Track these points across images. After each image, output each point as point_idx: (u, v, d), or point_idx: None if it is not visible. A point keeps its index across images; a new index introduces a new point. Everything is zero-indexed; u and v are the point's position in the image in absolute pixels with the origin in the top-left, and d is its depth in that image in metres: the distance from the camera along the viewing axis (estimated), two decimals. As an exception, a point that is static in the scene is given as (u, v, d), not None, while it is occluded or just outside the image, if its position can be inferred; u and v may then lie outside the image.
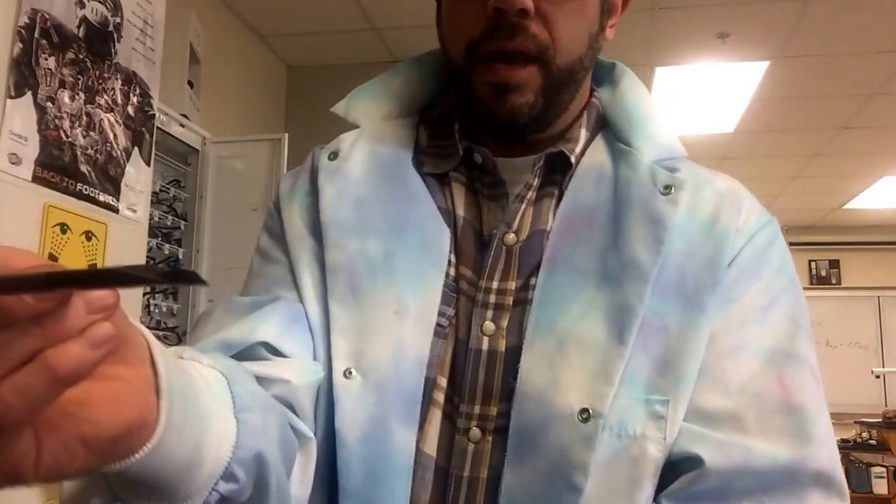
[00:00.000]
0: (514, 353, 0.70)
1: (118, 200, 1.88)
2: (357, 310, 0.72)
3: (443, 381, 0.71)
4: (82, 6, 1.76)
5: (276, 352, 0.68)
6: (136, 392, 0.42)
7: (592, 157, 0.79)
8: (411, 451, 0.68)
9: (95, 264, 1.80)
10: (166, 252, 2.62)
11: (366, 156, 0.80)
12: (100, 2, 1.82)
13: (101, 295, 0.37)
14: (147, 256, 2.31)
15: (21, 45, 1.58)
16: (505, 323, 0.72)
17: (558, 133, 0.80)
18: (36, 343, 0.35)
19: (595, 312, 0.69)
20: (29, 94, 1.60)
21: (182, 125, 2.64)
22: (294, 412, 0.66)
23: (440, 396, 0.71)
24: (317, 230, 0.76)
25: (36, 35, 1.62)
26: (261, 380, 0.63)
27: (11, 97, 1.56)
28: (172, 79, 2.49)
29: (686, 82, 4.16)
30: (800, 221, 7.78)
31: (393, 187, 0.78)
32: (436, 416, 0.70)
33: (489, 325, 0.72)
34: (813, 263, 8.07)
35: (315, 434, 0.68)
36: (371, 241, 0.75)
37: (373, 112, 0.84)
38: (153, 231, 2.54)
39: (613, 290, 0.69)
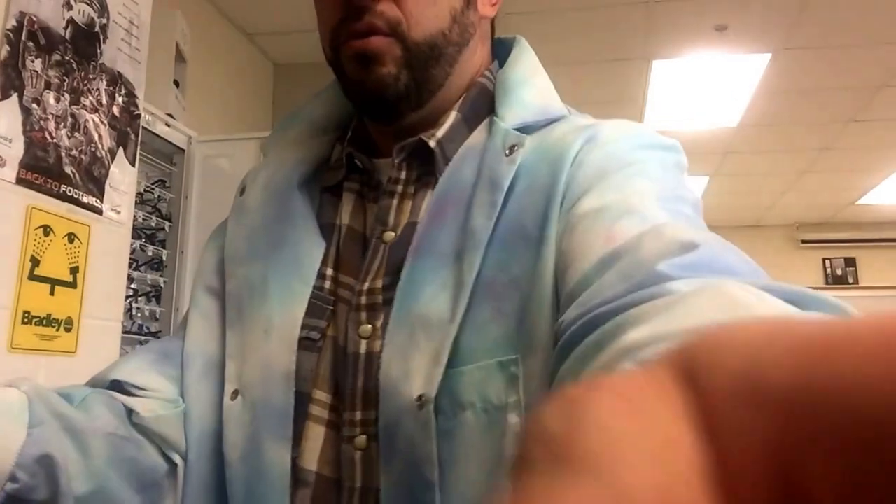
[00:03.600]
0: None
1: (102, 202, 1.96)
2: (240, 332, 0.80)
3: (322, 395, 0.74)
4: (69, 8, 1.84)
5: (136, 388, 0.79)
6: None
7: (473, 140, 0.80)
8: (285, 466, 0.71)
9: (77, 267, 1.87)
10: (150, 254, 2.69)
11: (262, 185, 0.88)
12: (87, 3, 1.90)
13: None
14: (130, 258, 2.39)
15: (8, 48, 1.66)
16: (380, 322, 0.73)
17: (432, 118, 0.81)
18: None
19: (444, 292, 0.70)
20: (14, 96, 1.68)
21: (168, 124, 2.71)
22: (155, 441, 0.76)
23: (319, 410, 0.74)
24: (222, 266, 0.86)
25: (23, 37, 1.70)
26: (129, 410, 0.76)
27: (-3, 100, 1.64)
28: (158, 78, 2.56)
29: (685, 76, 4.23)
30: (812, 218, 7.79)
31: (278, 210, 0.84)
32: (315, 430, 0.73)
33: (365, 328, 0.73)
34: (827, 262, 8.03)
35: (207, 456, 0.77)
36: (255, 265, 0.82)
37: (281, 138, 0.92)
38: (137, 232, 2.59)
39: (458, 265, 0.70)
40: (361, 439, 0.70)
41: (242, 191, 0.91)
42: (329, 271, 0.80)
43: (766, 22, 3.59)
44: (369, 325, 0.73)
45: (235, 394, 0.77)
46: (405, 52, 0.76)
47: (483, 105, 0.83)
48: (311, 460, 0.73)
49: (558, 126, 0.78)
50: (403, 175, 0.81)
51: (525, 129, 0.77)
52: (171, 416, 0.78)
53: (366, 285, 0.75)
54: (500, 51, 0.89)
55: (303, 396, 0.74)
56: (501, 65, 0.86)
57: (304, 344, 0.75)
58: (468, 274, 0.69)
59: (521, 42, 0.88)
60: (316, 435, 0.73)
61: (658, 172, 0.69)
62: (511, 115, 0.79)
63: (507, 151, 0.75)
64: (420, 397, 0.66)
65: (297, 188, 0.85)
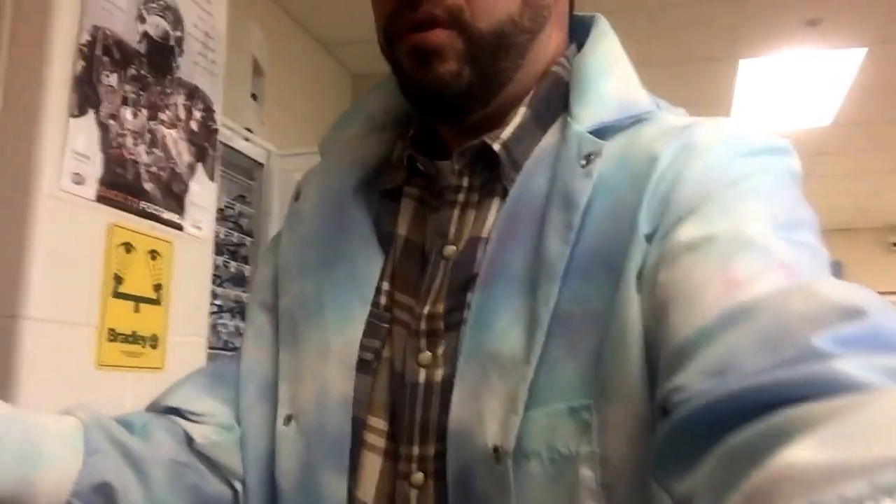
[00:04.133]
0: (450, 384, 0.65)
1: (183, 218, 1.92)
2: (295, 354, 0.74)
3: (377, 422, 0.69)
4: (143, 21, 1.81)
5: (191, 413, 0.75)
6: None
7: (546, 142, 0.70)
8: (342, 498, 0.67)
9: (161, 284, 1.84)
10: (232, 270, 2.67)
11: (316, 190, 0.81)
12: (161, 16, 1.86)
13: None
14: (214, 274, 2.36)
15: (83, 63, 1.63)
16: (441, 350, 0.66)
17: (499, 115, 0.71)
18: None
19: (517, 327, 0.62)
20: (91, 113, 1.65)
21: (246, 139, 2.68)
22: (215, 467, 0.73)
23: (375, 439, 0.68)
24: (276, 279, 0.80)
25: (97, 52, 1.67)
26: (189, 437, 0.74)
27: (74, 116, 1.61)
28: (235, 92, 2.54)
29: (774, 74, 4.06)
30: (905, 220, 7.51)
31: (333, 219, 0.77)
32: (371, 460, 0.68)
33: (425, 356, 0.67)
34: (921, 265, 7.81)
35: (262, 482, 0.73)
36: (309, 280, 0.76)
37: (337, 137, 0.82)
38: (219, 248, 2.59)
39: (532, 296, 0.63)
40: (418, 476, 0.65)
41: (297, 196, 0.83)
42: (386, 286, 0.73)
43: (862, 14, 3.40)
44: (429, 353, 0.67)
45: (289, 419, 0.72)
46: (468, 45, 0.66)
47: (557, 99, 0.72)
48: (368, 492, 0.68)
49: (644, 128, 0.67)
50: (465, 182, 0.71)
51: (603, 132, 0.67)
52: (226, 442, 0.74)
53: (426, 308, 0.68)
54: (580, 31, 0.77)
55: (358, 423, 0.69)
56: (580, 47, 0.75)
57: (359, 365, 0.70)
58: (543, 308, 0.61)
59: (601, 23, 0.76)
60: (372, 464, 0.68)
61: (771, 188, 0.59)
62: (587, 114, 0.69)
63: (583, 161, 0.65)
64: (497, 449, 0.59)
65: (353, 193, 0.77)
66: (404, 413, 0.66)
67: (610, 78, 0.71)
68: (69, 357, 1.60)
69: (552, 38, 0.73)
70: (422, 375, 0.66)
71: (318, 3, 3.18)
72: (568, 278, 0.61)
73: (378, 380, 0.69)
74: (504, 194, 0.69)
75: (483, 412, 0.61)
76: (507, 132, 0.70)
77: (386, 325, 0.71)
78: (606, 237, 0.62)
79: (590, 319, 0.60)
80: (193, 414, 0.75)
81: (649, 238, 0.59)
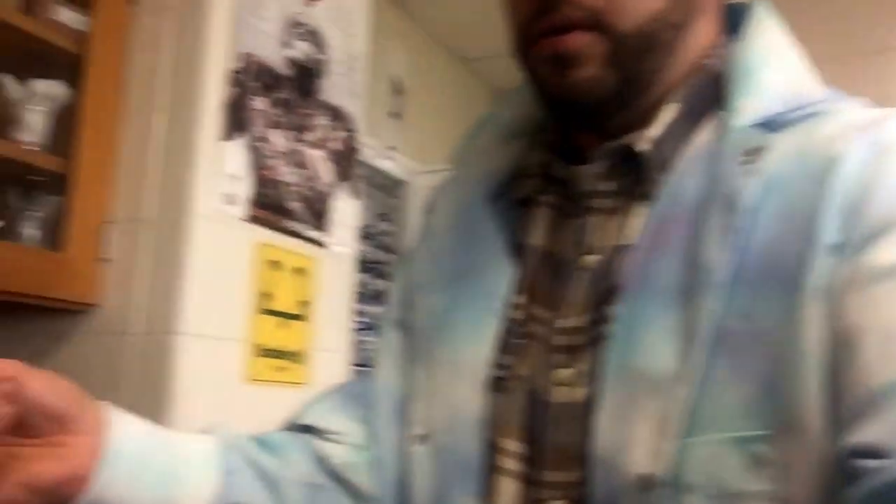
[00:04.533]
0: (592, 405, 0.60)
1: (326, 236, 1.97)
2: (428, 371, 0.71)
3: (512, 444, 0.64)
4: (289, 46, 1.87)
5: (326, 432, 0.74)
6: (74, 455, 0.59)
7: (699, 140, 0.65)
8: None
9: (306, 301, 1.89)
10: (375, 287, 2.71)
11: (448, 202, 0.78)
12: (305, 41, 1.93)
13: (4, 388, 0.55)
14: (357, 292, 2.41)
15: (234, 89, 1.70)
16: (582, 367, 0.62)
17: (644, 114, 0.66)
18: None
19: (669, 342, 0.57)
20: (242, 136, 1.72)
21: (388, 157, 2.73)
22: (350, 489, 0.72)
23: (510, 462, 0.64)
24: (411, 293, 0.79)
25: (247, 78, 1.74)
26: (323, 457, 0.73)
27: (226, 139, 1.68)
28: (377, 111, 2.58)
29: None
30: None
31: (465, 230, 0.75)
32: (506, 485, 0.64)
33: (564, 373, 0.63)
34: None
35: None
36: (439, 294, 0.73)
37: (469, 148, 0.80)
38: (362, 266, 2.63)
39: (687, 308, 0.57)
40: None
41: (429, 209, 0.81)
42: (520, 300, 0.68)
43: None
44: (568, 370, 0.63)
45: (423, 439, 0.69)
46: (611, 48, 0.62)
47: (711, 94, 0.66)
48: None
49: (821, 123, 0.60)
50: (607, 186, 0.66)
51: (770, 126, 0.61)
52: (361, 463, 0.73)
53: (565, 322, 0.64)
54: (734, 19, 0.70)
55: (491, 445, 0.65)
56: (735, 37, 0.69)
57: (491, 383, 0.66)
58: (700, 320, 0.55)
59: (761, 8, 0.69)
60: (507, 490, 0.64)
61: None
62: (749, 106, 0.62)
63: (745, 158, 0.59)
64: (645, 477, 0.54)
65: (486, 204, 0.74)
66: (541, 435, 0.62)
67: (774, 67, 0.65)
68: (220, 371, 1.67)
69: (703, 30, 0.67)
70: (560, 395, 0.62)
71: (457, 20, 3.21)
72: (731, 289, 0.56)
73: (512, 399, 0.65)
74: (650, 198, 0.64)
75: (631, 436, 0.56)
76: (655, 131, 0.64)
77: (520, 341, 0.67)
78: (779, 244, 0.56)
79: (759, 338, 0.54)
80: (328, 433, 0.74)
81: (835, 250, 0.53)
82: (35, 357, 1.68)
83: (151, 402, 1.56)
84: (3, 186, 1.65)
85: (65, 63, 1.69)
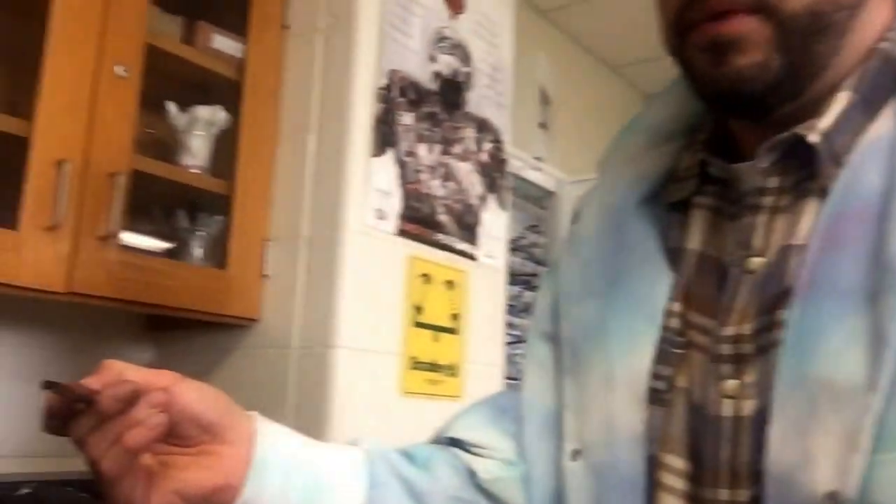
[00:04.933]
0: (764, 418, 0.56)
1: (476, 248, 1.97)
2: (579, 383, 0.69)
3: (674, 460, 0.61)
4: (434, 61, 1.90)
5: (474, 446, 0.73)
6: (225, 464, 0.62)
7: (876, 130, 0.59)
8: None
9: (458, 314, 1.90)
10: (526, 300, 2.70)
11: (596, 209, 0.76)
12: (450, 55, 1.95)
13: (158, 398, 0.58)
14: (508, 304, 2.40)
15: (381, 106, 1.74)
16: (751, 378, 0.58)
17: (814, 105, 0.61)
18: (119, 430, 0.56)
19: (855, 348, 0.52)
20: (390, 152, 1.75)
21: (536, 168, 2.72)
22: (494, 503, 0.71)
23: (673, 479, 0.61)
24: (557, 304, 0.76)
25: (394, 94, 1.78)
26: (472, 471, 0.72)
27: (375, 155, 1.72)
28: (524, 122, 2.58)
29: None
30: None
31: (615, 237, 0.72)
32: None
33: (731, 385, 0.59)
34: None
35: None
36: (591, 303, 0.71)
37: (616, 154, 0.77)
38: (513, 278, 2.63)
39: (874, 310, 0.52)
40: None
41: (576, 218, 0.79)
42: (677, 307, 0.65)
43: None
44: (735, 381, 0.59)
45: (576, 454, 0.66)
46: (778, 31, 0.57)
47: (889, 80, 0.61)
48: None
49: None
50: (774, 182, 0.62)
51: None
52: (511, 479, 0.71)
53: (729, 330, 0.60)
54: None
55: (652, 461, 0.62)
56: None
57: (650, 396, 0.63)
58: (891, 323, 0.51)
59: None
60: None
61: None
62: None
63: None
64: (832, 495, 0.50)
65: (636, 209, 0.71)
66: (707, 451, 0.59)
67: None
68: (376, 384, 1.69)
69: (879, 9, 0.63)
70: (728, 407, 0.59)
71: (603, 27, 3.16)
72: None
73: (673, 412, 0.62)
74: (823, 194, 0.59)
75: (811, 451, 0.52)
76: (827, 121, 0.60)
77: (680, 351, 0.64)
78: None
79: None
80: (476, 447, 0.73)
81: None
82: (204, 370, 1.77)
83: (311, 413, 1.60)
84: (172, 209, 1.75)
85: (223, 89, 1.78)
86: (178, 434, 0.61)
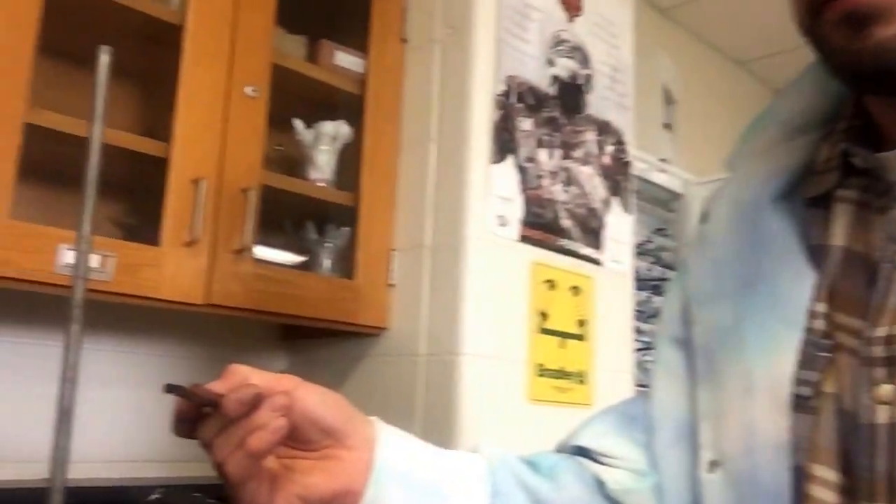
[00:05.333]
0: None
1: (601, 253, 1.95)
2: (715, 390, 0.66)
3: (825, 472, 0.57)
4: (552, 65, 1.89)
5: (602, 455, 0.72)
6: (347, 468, 0.62)
7: None
8: None
9: (584, 320, 1.88)
10: (655, 305, 2.64)
11: (727, 207, 0.72)
12: (568, 57, 1.94)
13: (280, 401, 0.58)
14: (636, 310, 2.35)
15: (500, 112, 1.75)
16: None
17: None
18: (242, 433, 0.57)
19: None
20: (510, 158, 1.76)
21: (661, 170, 2.66)
22: None
23: (823, 492, 0.57)
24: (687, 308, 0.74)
25: (512, 100, 1.78)
26: (600, 481, 0.71)
27: (495, 162, 1.73)
28: (647, 123, 2.53)
29: None
30: None
31: (748, 235, 0.68)
32: None
33: (885, 390, 0.55)
34: None
35: None
36: (725, 306, 0.67)
37: (746, 150, 0.73)
38: (641, 283, 2.58)
39: None
40: None
41: (703, 218, 0.76)
42: (822, 308, 0.61)
43: None
44: (890, 386, 0.55)
45: (713, 465, 0.63)
46: None
47: None
48: None
49: None
50: None
51: None
52: (641, 490, 0.69)
53: (881, 330, 0.57)
54: None
55: (798, 472, 0.58)
56: None
57: (794, 403, 0.60)
58: None
59: None
60: None
61: None
62: None
63: None
64: None
65: (772, 205, 0.68)
66: (862, 462, 0.55)
67: None
68: (503, 391, 1.69)
69: None
70: (882, 414, 0.55)
71: (727, 21, 3.07)
72: None
73: (821, 420, 0.59)
74: None
75: None
76: None
77: (826, 354, 0.60)
78: None
79: None
80: (605, 456, 0.72)
81: None
82: (336, 377, 1.82)
83: (440, 420, 1.62)
84: (301, 222, 1.81)
85: (346, 104, 1.83)
86: (301, 438, 0.61)
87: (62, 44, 1.42)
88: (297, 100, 1.81)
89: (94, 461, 1.65)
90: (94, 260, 1.33)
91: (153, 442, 1.75)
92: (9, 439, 1.57)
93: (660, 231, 2.77)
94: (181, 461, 1.71)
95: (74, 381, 0.65)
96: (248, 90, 1.58)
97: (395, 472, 0.64)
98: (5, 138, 1.27)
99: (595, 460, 0.72)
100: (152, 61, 1.63)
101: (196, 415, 0.59)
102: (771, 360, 0.62)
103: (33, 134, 1.31)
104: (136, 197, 1.69)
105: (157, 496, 1.56)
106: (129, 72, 1.70)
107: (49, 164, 1.40)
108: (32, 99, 1.32)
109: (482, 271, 1.68)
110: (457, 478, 0.67)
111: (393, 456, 0.64)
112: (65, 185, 1.57)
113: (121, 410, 1.73)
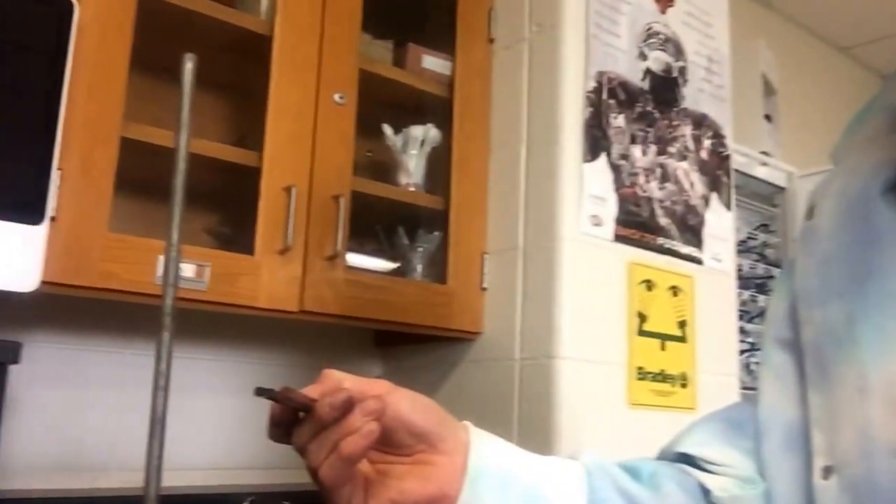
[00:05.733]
0: None
1: (701, 251, 1.88)
2: (827, 394, 0.63)
3: None
4: (644, 58, 1.84)
5: (706, 462, 0.70)
6: (440, 473, 0.62)
7: None
8: None
9: (685, 321, 1.82)
10: (760, 304, 2.54)
11: (834, 201, 0.69)
12: (661, 50, 1.88)
13: (372, 406, 0.58)
14: (740, 310, 2.27)
15: (591, 110, 1.71)
16: None
17: None
18: (336, 437, 0.57)
19: None
20: (603, 156, 1.71)
21: (763, 163, 2.57)
22: None
23: None
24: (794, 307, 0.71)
25: (604, 97, 1.74)
26: (705, 489, 0.69)
27: (587, 161, 1.69)
28: (746, 115, 2.45)
29: None
30: None
31: (857, 230, 0.65)
32: None
33: None
34: None
35: None
36: (834, 305, 0.64)
37: (852, 141, 0.70)
38: (744, 282, 2.49)
39: None
40: None
41: (809, 213, 0.72)
42: None
43: None
44: None
45: (828, 471, 0.61)
46: None
47: None
48: None
49: None
50: None
51: None
52: (749, 497, 0.67)
53: None
54: None
55: None
56: None
57: None
58: None
59: None
60: None
61: None
62: None
63: None
64: None
65: (884, 197, 0.64)
66: None
67: None
68: (602, 395, 1.65)
69: None
70: None
71: (828, 6, 2.95)
72: None
73: None
74: None
75: None
76: None
77: None
78: None
79: None
80: (709, 463, 0.70)
81: None
82: (432, 383, 1.81)
83: (537, 424, 1.59)
84: (393, 227, 1.81)
85: (434, 107, 1.82)
86: (394, 442, 0.61)
87: (153, 58, 1.45)
88: (385, 105, 1.81)
89: (192, 468, 1.69)
90: (190, 270, 1.35)
91: (250, 449, 1.77)
92: (112, 449, 1.61)
93: (763, 227, 2.67)
94: (278, 468, 1.73)
95: (166, 389, 0.65)
96: (337, 97, 1.59)
97: (489, 476, 0.63)
98: (103, 153, 1.31)
99: (699, 467, 0.70)
100: (242, 72, 1.65)
101: (290, 419, 0.60)
102: (886, 360, 0.59)
103: (129, 148, 1.34)
104: (231, 207, 1.72)
105: (248, 503, 1.58)
106: (219, 84, 1.73)
107: (145, 177, 1.43)
108: (127, 113, 1.35)
109: (577, 272, 1.65)
110: (554, 483, 0.66)
111: (486, 460, 0.64)
112: (161, 197, 1.61)
113: (218, 418, 1.76)
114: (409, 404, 0.62)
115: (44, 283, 1.19)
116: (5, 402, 1.23)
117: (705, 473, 0.69)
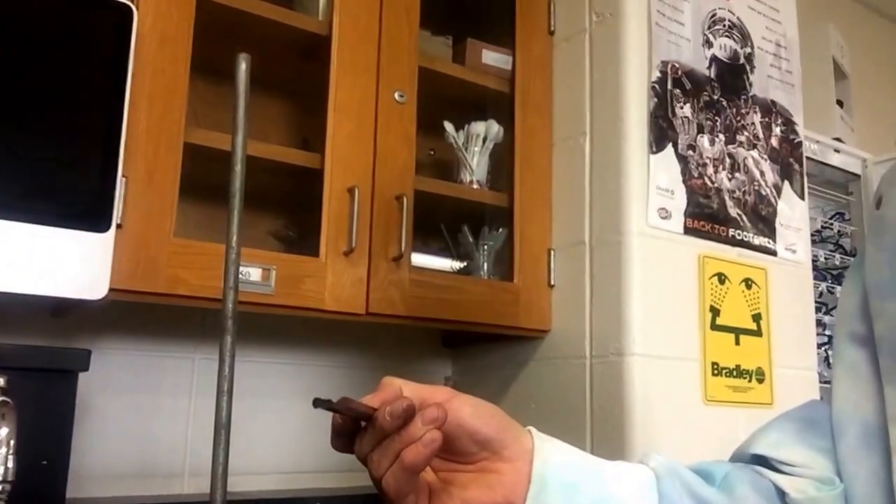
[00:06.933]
0: None
1: (774, 242, 1.81)
2: None
3: None
4: (710, 46, 1.77)
5: (782, 463, 0.67)
6: (505, 481, 0.60)
7: None
8: None
9: (759, 314, 1.74)
10: (838, 295, 2.44)
11: None
12: (727, 37, 1.81)
13: (433, 414, 0.56)
14: (817, 302, 2.18)
15: (656, 100, 1.65)
16: None
17: None
18: (397, 446, 0.56)
19: None
20: (669, 147, 1.65)
21: (836, 150, 2.47)
22: None
23: None
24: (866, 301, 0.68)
25: (669, 86, 1.68)
26: (781, 491, 0.66)
27: (654, 153, 1.63)
28: (817, 101, 2.35)
29: None
30: None
31: None
32: None
33: None
34: None
35: None
36: None
37: None
38: (820, 273, 2.40)
39: None
40: None
41: (878, 203, 0.69)
42: None
43: None
44: None
45: None
46: None
47: None
48: None
49: None
50: None
51: None
52: (827, 499, 0.64)
53: None
54: None
55: None
56: None
57: None
58: None
59: None
60: None
61: None
62: None
63: None
64: None
65: None
66: None
67: None
68: (676, 392, 1.59)
69: None
70: None
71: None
72: None
73: None
74: None
75: None
76: None
77: None
78: None
79: None
80: (785, 464, 0.67)
81: None
82: (501, 383, 1.78)
83: (611, 423, 1.54)
84: (457, 226, 1.78)
85: (495, 102, 1.79)
86: (457, 450, 0.59)
87: (214, 62, 1.44)
88: (445, 102, 1.78)
89: (261, 473, 1.68)
90: (256, 273, 1.34)
91: (319, 453, 1.75)
92: (183, 454, 1.61)
93: (838, 216, 2.57)
94: (346, 471, 1.71)
95: (230, 392, 0.63)
96: (397, 96, 1.56)
97: (555, 482, 0.61)
98: (167, 159, 1.31)
99: (774, 469, 0.67)
100: (302, 74, 1.64)
101: (352, 429, 0.58)
102: None
103: (192, 153, 1.34)
104: (295, 210, 1.71)
105: (314, 508, 1.57)
106: (280, 86, 1.73)
107: (209, 182, 1.42)
108: (190, 118, 1.35)
109: (646, 267, 1.59)
110: (622, 488, 0.63)
111: (551, 466, 0.62)
112: (226, 201, 1.61)
113: (286, 422, 1.75)
114: (470, 411, 0.60)
115: (112, 290, 1.19)
116: (76, 410, 1.24)
117: (781, 475, 0.66)
